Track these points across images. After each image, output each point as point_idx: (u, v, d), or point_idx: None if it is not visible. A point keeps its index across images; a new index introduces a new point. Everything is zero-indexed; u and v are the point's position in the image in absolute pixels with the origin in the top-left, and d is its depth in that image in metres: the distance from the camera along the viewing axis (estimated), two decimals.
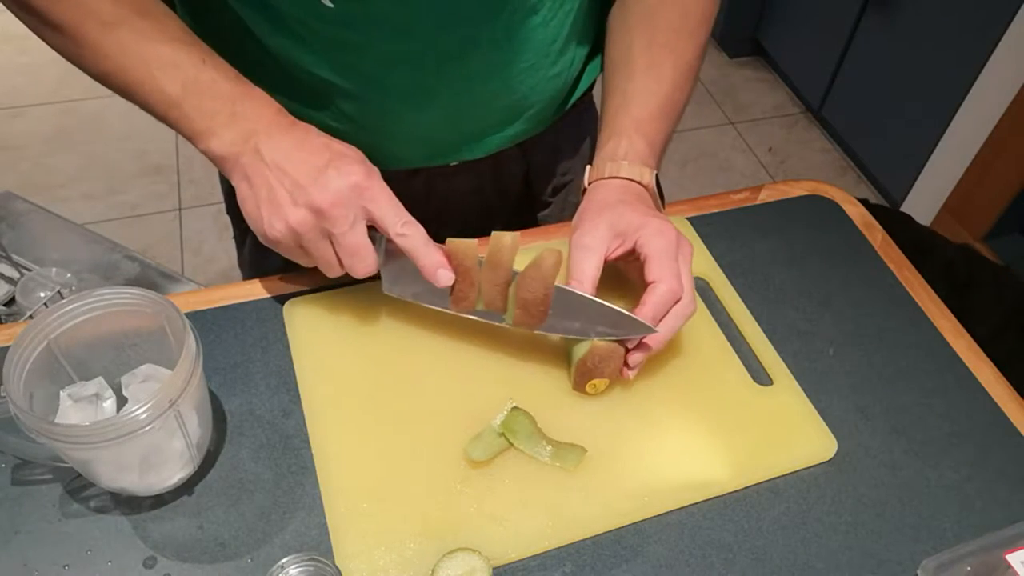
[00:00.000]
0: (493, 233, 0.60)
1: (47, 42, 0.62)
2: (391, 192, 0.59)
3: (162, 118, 0.61)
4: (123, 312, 0.54)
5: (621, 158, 0.67)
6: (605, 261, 0.62)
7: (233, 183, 0.61)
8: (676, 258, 0.62)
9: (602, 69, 0.76)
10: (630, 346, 0.61)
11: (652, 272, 0.61)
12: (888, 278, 0.77)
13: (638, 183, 0.67)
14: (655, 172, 0.68)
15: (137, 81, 0.60)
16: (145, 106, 0.61)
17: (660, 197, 0.68)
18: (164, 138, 2.10)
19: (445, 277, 0.60)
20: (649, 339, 0.61)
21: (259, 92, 0.61)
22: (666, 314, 0.61)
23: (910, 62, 2.01)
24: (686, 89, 0.72)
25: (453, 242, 0.60)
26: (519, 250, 0.60)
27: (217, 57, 0.61)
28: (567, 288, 0.60)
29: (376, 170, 0.60)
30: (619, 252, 0.63)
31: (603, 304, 0.60)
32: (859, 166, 2.32)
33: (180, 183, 2.09)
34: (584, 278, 0.61)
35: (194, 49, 0.60)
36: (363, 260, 0.59)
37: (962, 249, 1.52)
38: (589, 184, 0.69)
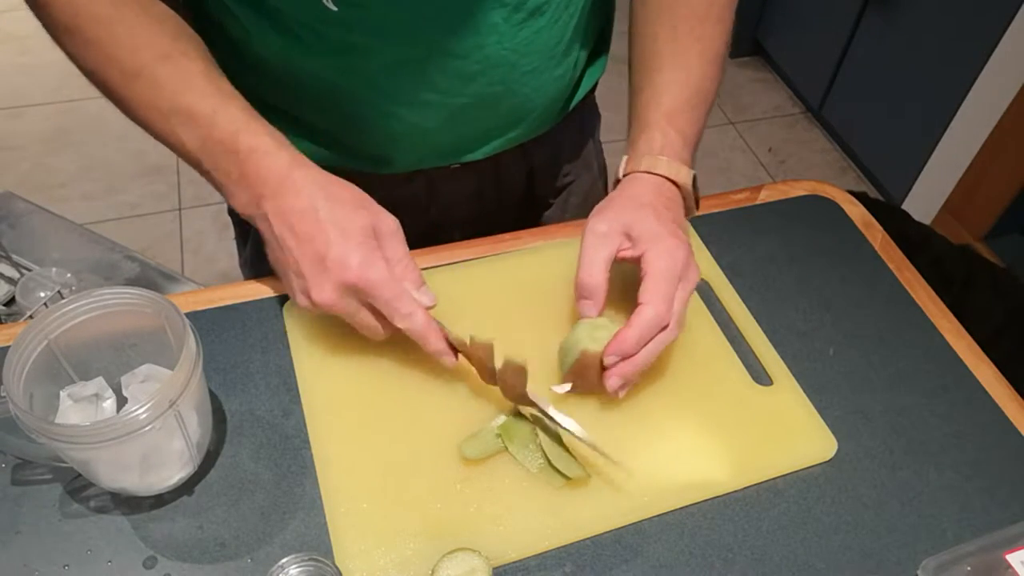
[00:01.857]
0: (505, 359, 0.58)
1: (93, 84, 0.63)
2: (390, 273, 0.58)
3: (195, 169, 0.62)
4: (123, 312, 0.54)
5: (658, 152, 0.66)
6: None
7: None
8: (675, 282, 0.60)
9: (629, 65, 0.75)
10: (612, 386, 0.60)
11: (645, 293, 0.60)
12: (888, 278, 0.77)
13: (674, 183, 0.66)
14: (692, 173, 0.66)
15: (163, 133, 0.61)
16: (180, 157, 0.62)
17: (695, 196, 0.68)
18: None
19: (449, 362, 0.61)
20: (626, 364, 0.59)
21: (266, 144, 0.59)
22: (652, 339, 0.60)
23: (910, 62, 2.01)
24: (716, 78, 0.70)
25: (458, 343, 0.60)
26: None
27: (233, 101, 0.60)
28: (546, 410, 0.59)
29: (383, 235, 0.59)
30: (626, 255, 0.63)
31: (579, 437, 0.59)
32: (859, 166, 2.32)
33: (180, 183, 2.09)
34: (594, 269, 0.61)
35: (209, 96, 0.60)
36: (383, 330, 0.60)
37: (961, 250, 1.51)
38: (624, 176, 0.67)
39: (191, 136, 0.59)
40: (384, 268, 0.58)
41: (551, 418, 0.59)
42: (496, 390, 0.61)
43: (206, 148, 0.60)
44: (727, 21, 0.71)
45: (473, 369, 0.62)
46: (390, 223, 0.60)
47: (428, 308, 0.60)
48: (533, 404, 0.59)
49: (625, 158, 0.68)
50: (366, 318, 0.59)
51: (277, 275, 0.62)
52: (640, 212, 0.63)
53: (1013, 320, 1.37)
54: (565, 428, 0.58)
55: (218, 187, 0.62)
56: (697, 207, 0.69)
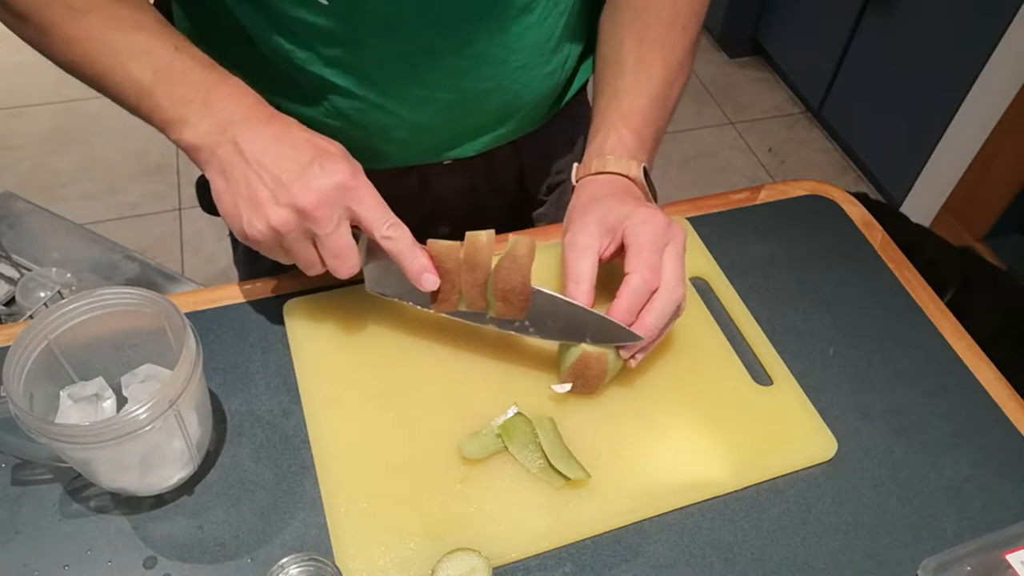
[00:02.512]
0: (467, 233, 0.58)
1: (18, 33, 0.59)
2: (376, 191, 0.57)
3: (134, 108, 0.58)
4: (123, 312, 0.54)
5: (608, 153, 0.67)
6: (600, 261, 0.62)
7: (207, 176, 0.58)
8: (660, 248, 0.60)
9: (594, 69, 0.76)
10: (624, 355, 0.61)
11: (628, 263, 0.60)
12: (888, 278, 0.77)
13: (625, 176, 0.66)
14: (642, 165, 0.67)
15: (107, 70, 0.57)
16: (116, 96, 0.59)
17: (651, 191, 0.67)
18: (164, 138, 2.09)
19: (430, 282, 0.58)
20: (638, 331, 0.59)
21: (236, 80, 0.58)
22: (645, 307, 0.59)
23: (910, 62, 2.01)
24: (677, 85, 0.71)
25: (434, 244, 0.59)
26: (496, 247, 0.59)
27: (191, 45, 0.59)
28: (555, 295, 0.59)
29: (360, 167, 0.58)
30: (612, 249, 0.62)
31: (592, 312, 0.59)
32: (859, 166, 2.32)
33: (180, 183, 2.09)
34: (581, 279, 0.60)
35: (167, 36, 0.58)
36: (347, 261, 0.57)
37: (961, 252, 1.51)
38: (577, 181, 0.68)
39: (143, 67, 0.56)
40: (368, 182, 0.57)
41: (560, 300, 0.59)
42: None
43: (162, 78, 0.57)
44: (692, 31, 0.72)
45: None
46: (357, 163, 0.58)
47: None
48: (532, 296, 0.59)
49: (576, 165, 0.69)
50: (308, 251, 0.57)
51: (225, 213, 0.57)
52: (603, 204, 0.63)
53: (1012, 323, 1.37)
54: (572, 303, 0.58)
55: (165, 121, 0.57)
56: (655, 200, 0.69)
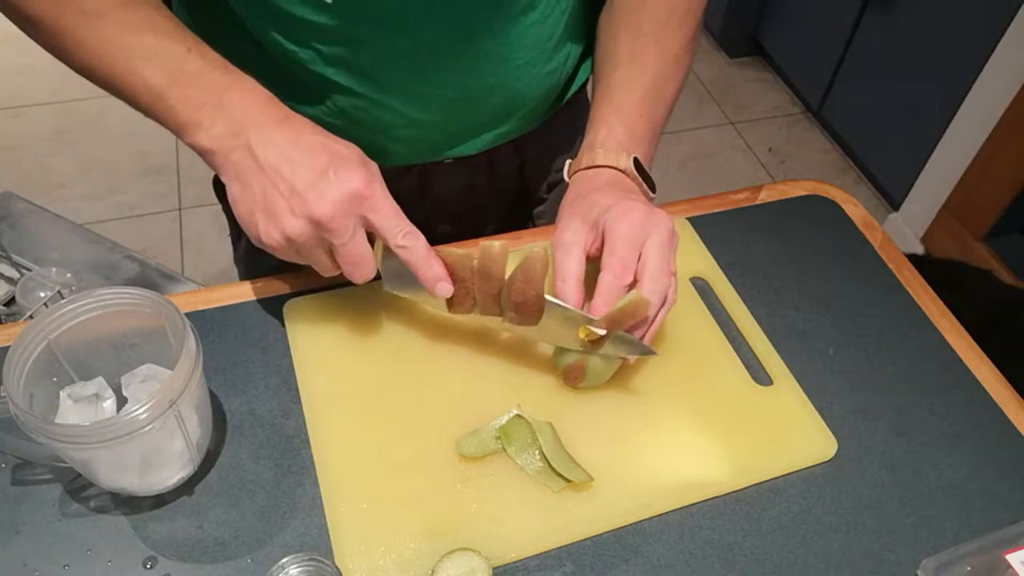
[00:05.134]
0: (481, 244, 0.58)
1: (32, 37, 0.59)
2: (391, 198, 0.57)
3: (147, 111, 0.58)
4: (123, 312, 0.54)
5: (598, 146, 0.67)
6: (588, 259, 0.61)
7: (223, 179, 0.58)
8: (637, 243, 0.59)
9: (592, 67, 0.76)
10: (630, 361, 0.61)
11: (603, 260, 0.59)
12: (888, 278, 0.77)
13: (614, 168, 0.66)
14: (633, 156, 0.66)
15: (120, 73, 0.57)
16: (130, 100, 0.58)
17: (648, 182, 0.67)
18: (164, 138, 2.09)
19: (444, 290, 0.58)
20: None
21: (249, 81, 0.58)
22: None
23: (910, 62, 2.01)
24: (673, 79, 0.71)
25: (448, 253, 0.59)
26: (510, 253, 0.59)
27: (204, 46, 0.58)
28: (570, 308, 0.59)
29: (376, 171, 0.58)
30: (598, 244, 0.61)
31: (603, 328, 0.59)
32: (859, 166, 2.32)
33: (180, 183, 2.09)
34: (568, 276, 0.60)
35: (180, 38, 0.57)
36: (363, 268, 0.57)
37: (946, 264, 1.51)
38: (570, 177, 0.68)
39: (156, 70, 0.56)
40: (385, 189, 0.57)
41: (574, 313, 0.58)
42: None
43: (175, 80, 0.56)
44: (689, 26, 0.71)
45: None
46: (374, 165, 0.59)
47: None
48: (545, 306, 0.58)
49: (569, 162, 0.69)
50: (323, 258, 0.57)
51: (242, 218, 0.57)
52: (588, 199, 0.63)
53: (995, 326, 1.36)
54: (590, 319, 0.58)
55: (180, 124, 0.57)
56: (653, 191, 0.68)
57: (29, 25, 0.58)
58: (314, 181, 0.54)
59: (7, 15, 0.59)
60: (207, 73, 0.57)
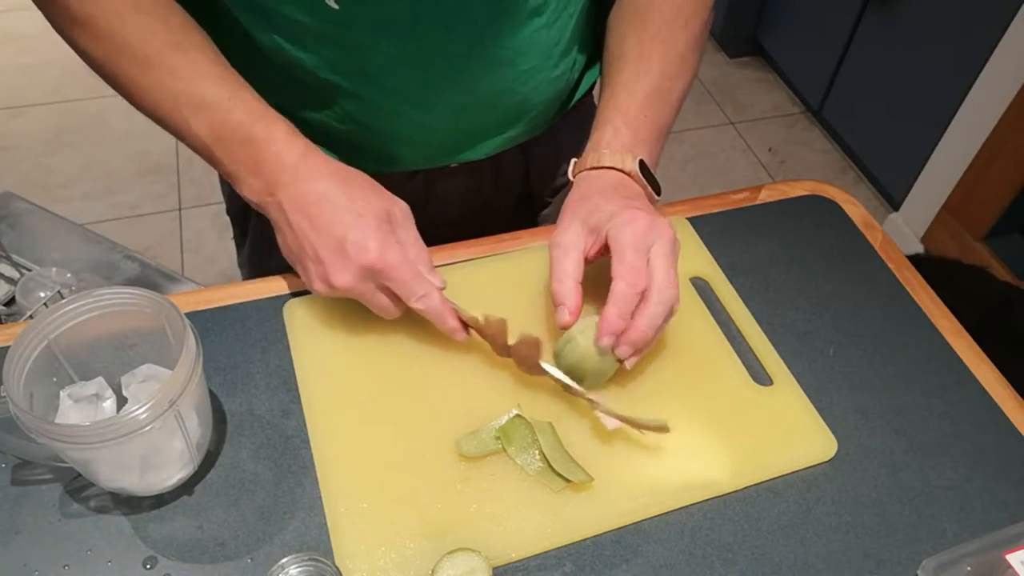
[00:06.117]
0: (484, 317, 0.62)
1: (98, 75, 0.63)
2: (407, 259, 0.60)
3: (201, 156, 0.63)
4: (123, 312, 0.54)
5: (604, 147, 0.67)
6: (586, 260, 0.62)
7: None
8: (644, 250, 0.59)
9: (600, 68, 0.76)
10: (620, 353, 0.60)
11: (613, 268, 0.59)
12: (888, 278, 0.77)
13: (619, 171, 0.66)
14: (638, 158, 0.66)
15: (173, 122, 0.61)
16: (187, 145, 0.63)
17: (653, 184, 0.67)
18: (164, 138, 2.08)
19: (460, 337, 0.63)
20: (631, 331, 0.59)
21: (283, 131, 0.61)
22: (637, 309, 0.59)
23: (910, 62, 2.01)
24: (680, 79, 0.71)
25: (459, 311, 0.62)
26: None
27: (247, 90, 0.62)
28: (569, 382, 0.60)
29: (401, 220, 0.61)
30: (596, 248, 0.62)
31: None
32: (859, 166, 2.32)
33: (180, 183, 2.09)
34: (565, 277, 0.60)
35: (223, 85, 0.61)
36: (389, 314, 0.62)
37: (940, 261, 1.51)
38: (574, 177, 0.68)
39: (202, 124, 0.60)
40: (400, 251, 0.59)
41: (567, 386, 0.60)
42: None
43: (218, 136, 0.60)
44: (695, 27, 0.71)
45: (475, 355, 0.63)
46: (403, 207, 0.62)
47: (440, 289, 0.62)
48: (545, 374, 0.61)
49: (574, 161, 0.69)
50: (381, 299, 0.61)
51: (289, 263, 0.63)
52: (591, 202, 0.63)
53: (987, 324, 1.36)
54: (585, 396, 0.60)
55: (227, 175, 0.63)
56: (658, 193, 0.68)
57: (95, 67, 0.63)
58: (334, 251, 0.59)
59: (78, 53, 0.63)
60: (246, 127, 0.60)
